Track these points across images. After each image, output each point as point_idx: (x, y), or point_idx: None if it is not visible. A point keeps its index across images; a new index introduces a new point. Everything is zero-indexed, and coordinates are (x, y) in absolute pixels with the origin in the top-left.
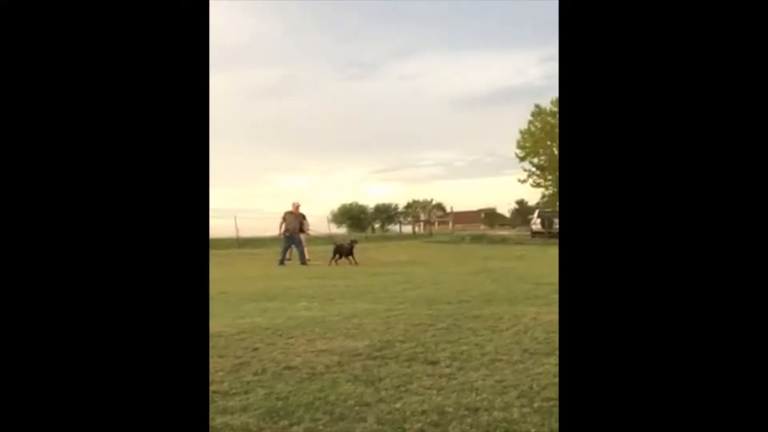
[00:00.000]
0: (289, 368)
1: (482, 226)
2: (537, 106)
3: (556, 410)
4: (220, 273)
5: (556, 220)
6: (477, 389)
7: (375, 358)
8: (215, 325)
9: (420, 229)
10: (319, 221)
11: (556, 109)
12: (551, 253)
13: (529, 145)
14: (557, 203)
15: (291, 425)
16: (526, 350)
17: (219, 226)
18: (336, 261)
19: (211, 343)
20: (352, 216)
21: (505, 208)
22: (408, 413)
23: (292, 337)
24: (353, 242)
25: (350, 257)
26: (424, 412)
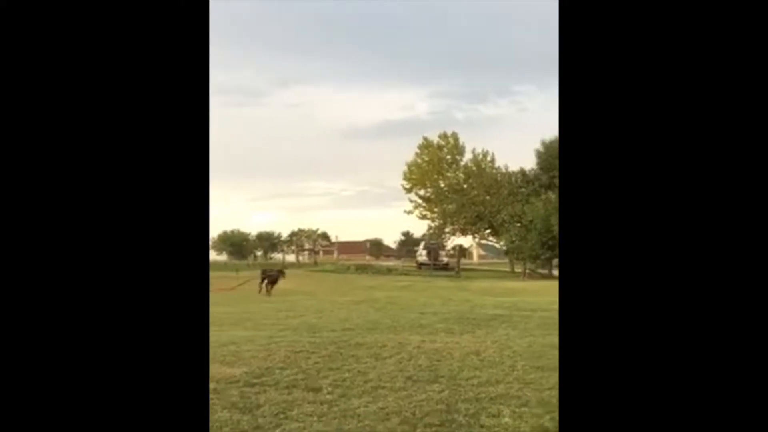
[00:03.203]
0: None
1: (368, 257)
2: (425, 138)
3: None
4: None
5: (442, 252)
6: (359, 416)
7: (253, 385)
8: None
9: (304, 258)
10: None
11: (443, 142)
12: (437, 284)
13: (415, 177)
14: (443, 235)
15: None
16: (409, 377)
17: None
18: (266, 288)
19: None
20: (234, 243)
21: (391, 239)
22: None
23: None
24: (281, 272)
25: (269, 285)
26: None
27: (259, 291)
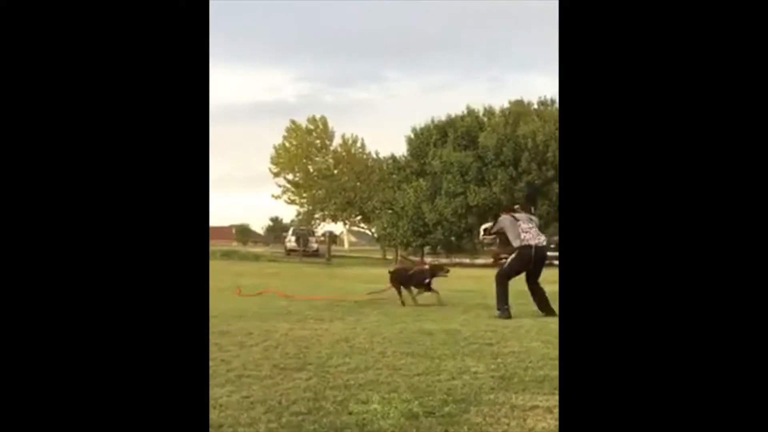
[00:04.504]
0: None
1: (234, 243)
2: (293, 121)
3: (305, 424)
4: None
5: (312, 239)
6: (221, 406)
7: None
8: None
9: None
10: None
11: (311, 126)
12: (306, 271)
13: (283, 161)
14: (313, 221)
15: None
16: (276, 365)
17: None
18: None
19: None
20: None
21: (259, 224)
22: None
23: None
24: (436, 269)
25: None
26: None
27: (408, 300)
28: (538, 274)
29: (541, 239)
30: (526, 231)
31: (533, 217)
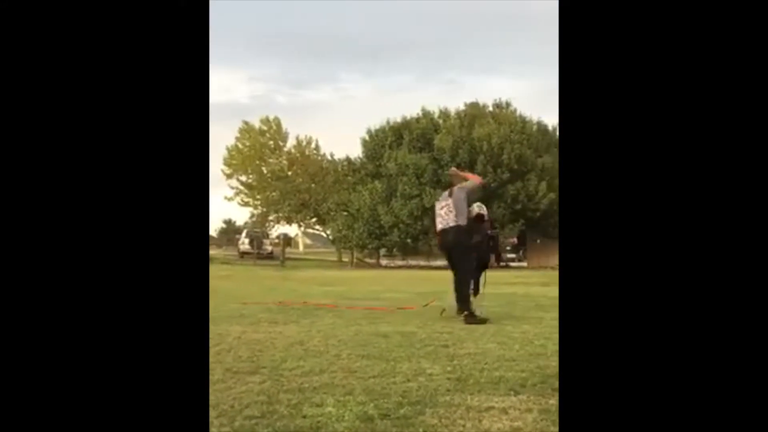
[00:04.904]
0: None
1: None
2: (245, 122)
3: (258, 428)
4: None
5: (266, 241)
6: None
7: None
8: None
9: None
10: None
11: (265, 127)
12: (260, 274)
13: (236, 163)
14: (267, 223)
15: None
16: (228, 369)
17: None
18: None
19: None
20: None
21: (212, 226)
22: None
23: None
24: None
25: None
26: None
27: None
28: (461, 262)
29: (449, 219)
30: (437, 215)
31: (464, 186)
